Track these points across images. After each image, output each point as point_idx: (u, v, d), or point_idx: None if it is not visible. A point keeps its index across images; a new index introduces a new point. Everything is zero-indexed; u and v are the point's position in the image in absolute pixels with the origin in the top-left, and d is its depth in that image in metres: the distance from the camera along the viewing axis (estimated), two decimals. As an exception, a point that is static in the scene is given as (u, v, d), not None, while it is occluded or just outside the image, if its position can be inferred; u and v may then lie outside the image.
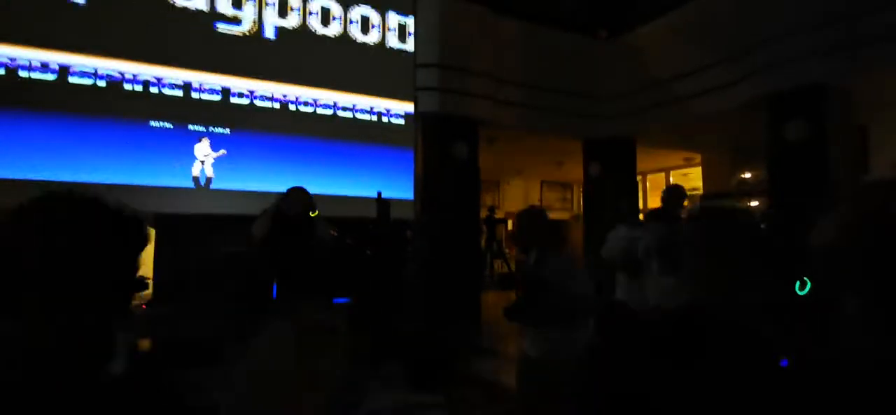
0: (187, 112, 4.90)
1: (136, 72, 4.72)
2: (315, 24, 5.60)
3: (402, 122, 6.01)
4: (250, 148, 5.15)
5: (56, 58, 4.42)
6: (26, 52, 4.31)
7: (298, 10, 5.49)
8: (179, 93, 4.89)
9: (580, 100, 7.86)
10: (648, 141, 8.45)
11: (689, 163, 10.78)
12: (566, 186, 13.84)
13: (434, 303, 5.88)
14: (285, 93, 5.36)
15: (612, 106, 7.88)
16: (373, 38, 5.91)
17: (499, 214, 11.29)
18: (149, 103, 4.76)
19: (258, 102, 5.23)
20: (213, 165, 4.96)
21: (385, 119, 5.91)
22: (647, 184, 12.21)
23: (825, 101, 5.55)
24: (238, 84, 5.13)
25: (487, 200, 11.90)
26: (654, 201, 12.44)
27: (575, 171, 10.50)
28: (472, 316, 6.33)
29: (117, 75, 4.65)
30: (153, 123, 4.76)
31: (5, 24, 4.27)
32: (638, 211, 3.66)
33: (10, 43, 4.28)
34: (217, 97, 5.03)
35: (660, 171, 11.72)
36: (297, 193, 4.17)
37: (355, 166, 5.64)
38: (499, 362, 5.34)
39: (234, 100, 5.12)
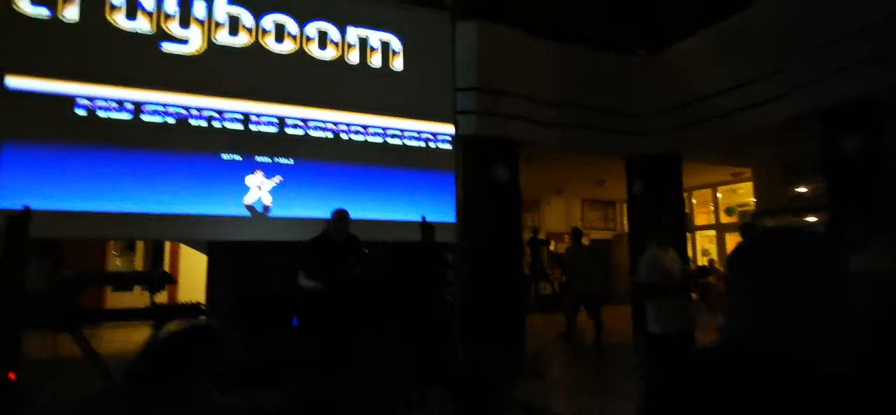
0: (245, 143, 5.14)
1: (200, 105, 5.00)
2: (354, 56, 5.80)
3: (448, 146, 6.10)
4: (302, 176, 5.33)
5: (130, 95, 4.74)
6: (103, 91, 4.67)
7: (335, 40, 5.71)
8: (239, 126, 5.14)
9: (621, 118, 7.77)
10: (694, 157, 8.24)
11: (737, 178, 10.42)
12: (608, 204, 13.59)
13: (479, 326, 5.86)
14: (336, 120, 5.56)
15: (655, 123, 7.74)
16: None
17: (540, 235, 11.14)
18: (210, 136, 5.03)
19: (311, 132, 5.44)
20: (271, 192, 5.17)
21: (432, 144, 6.02)
22: (694, 200, 11.86)
23: (879, 113, 5.31)
24: (292, 112, 5.36)
25: (527, 220, 11.82)
26: (703, 218, 12.06)
27: (617, 189, 10.33)
28: (517, 339, 6.26)
29: (184, 112, 4.94)
30: (213, 154, 5.02)
31: (84, 65, 4.65)
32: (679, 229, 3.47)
33: (89, 81, 4.64)
34: (273, 129, 5.27)
35: (706, 186, 11.38)
36: (340, 215, 4.34)
37: (400, 191, 5.74)
38: (545, 385, 5.27)
39: (288, 130, 5.34)
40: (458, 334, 5.68)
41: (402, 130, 5.88)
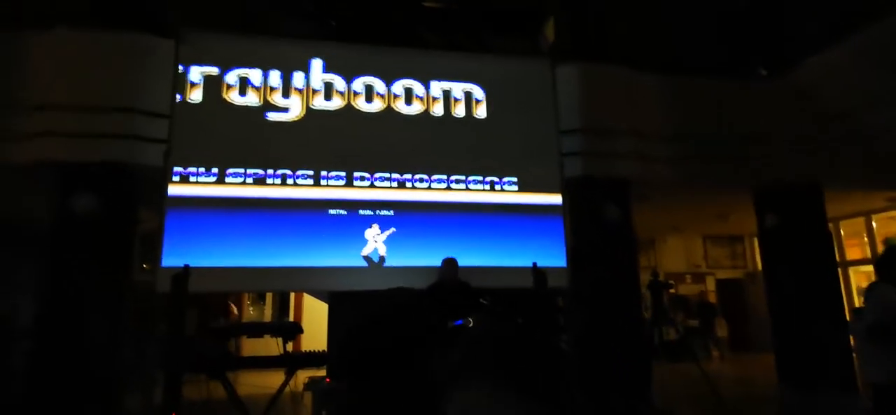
0: (359, 200, 5.53)
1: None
2: (460, 109, 6.04)
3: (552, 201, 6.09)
4: (415, 227, 5.58)
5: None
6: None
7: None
8: (345, 182, 5.59)
9: (744, 146, 7.14)
10: (837, 183, 7.29)
11: (895, 203, 9.00)
12: (735, 240, 12.40)
13: (598, 376, 5.56)
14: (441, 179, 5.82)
15: (785, 149, 7.00)
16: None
17: (660, 278, 10.40)
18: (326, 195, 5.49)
19: (419, 186, 5.73)
20: (386, 243, 5.47)
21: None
22: (842, 231, 10.41)
23: None
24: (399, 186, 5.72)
25: (642, 260, 11.14)
26: (855, 251, 10.53)
27: (744, 223, 9.43)
28: (642, 390, 5.80)
29: (302, 175, 5.48)
30: (330, 212, 5.45)
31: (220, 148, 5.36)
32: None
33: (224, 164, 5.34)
34: (387, 185, 5.64)
35: (857, 215, 9.95)
36: (449, 262, 4.49)
37: (509, 237, 5.75)
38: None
39: (395, 185, 5.67)
40: (575, 383, 5.42)
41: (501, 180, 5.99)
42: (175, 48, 5.54)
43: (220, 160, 5.34)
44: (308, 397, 5.96)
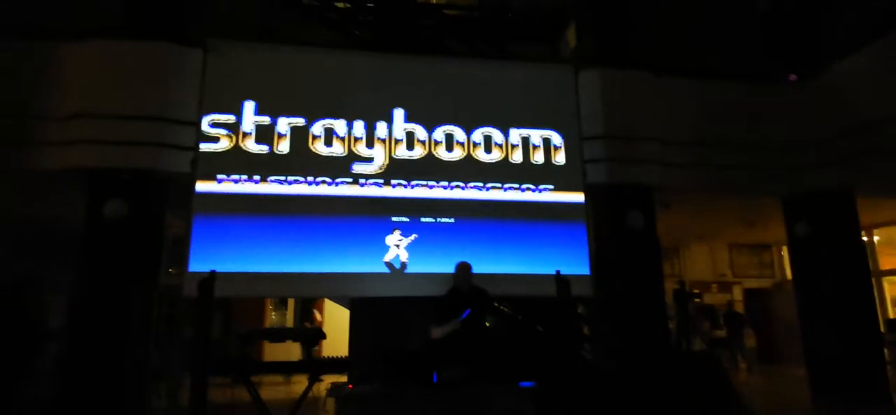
0: (385, 206, 5.57)
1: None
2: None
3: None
4: (438, 234, 5.59)
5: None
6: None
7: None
8: (380, 191, 5.61)
9: (772, 153, 6.98)
10: (870, 190, 7.07)
11: (933, 211, 8.68)
12: (763, 248, 12.09)
13: (623, 385, 5.46)
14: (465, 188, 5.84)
15: (816, 155, 6.82)
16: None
17: (686, 288, 10.20)
18: (354, 202, 5.53)
19: (444, 191, 5.74)
20: (407, 248, 5.48)
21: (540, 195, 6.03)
22: (875, 239, 10.08)
23: None
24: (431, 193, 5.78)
25: (666, 268, 10.92)
26: (891, 261, 10.19)
27: (774, 231, 9.20)
28: (668, 401, 5.68)
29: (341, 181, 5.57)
30: (353, 216, 5.49)
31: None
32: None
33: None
34: (417, 191, 5.66)
35: (891, 224, 9.63)
36: (463, 267, 4.48)
37: (532, 244, 5.72)
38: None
39: (428, 192, 5.70)
40: (602, 393, 5.34)
41: (526, 187, 5.95)
42: (203, 58, 5.67)
43: (261, 168, 5.46)
44: (331, 403, 5.98)
